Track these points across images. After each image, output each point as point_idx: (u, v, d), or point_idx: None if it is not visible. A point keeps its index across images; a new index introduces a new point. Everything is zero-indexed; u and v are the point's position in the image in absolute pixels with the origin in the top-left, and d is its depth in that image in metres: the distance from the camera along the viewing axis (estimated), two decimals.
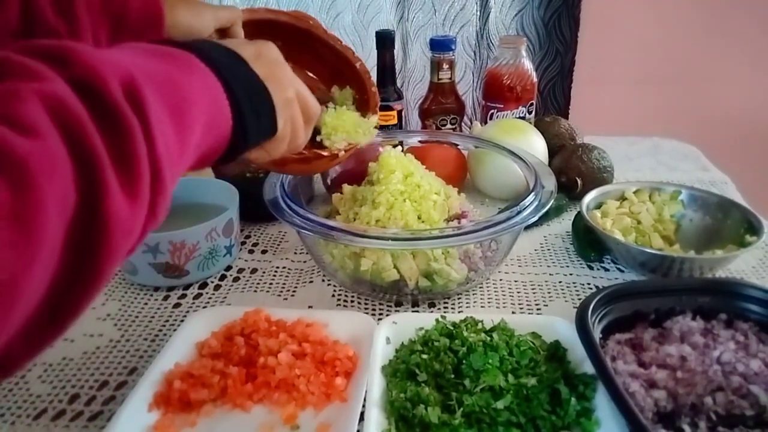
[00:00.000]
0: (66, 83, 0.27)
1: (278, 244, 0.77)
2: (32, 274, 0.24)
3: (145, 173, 0.29)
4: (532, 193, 0.62)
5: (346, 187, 0.72)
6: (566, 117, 1.45)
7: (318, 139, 0.59)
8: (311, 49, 0.69)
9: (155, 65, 0.33)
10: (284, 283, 0.68)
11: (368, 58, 1.41)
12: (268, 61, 0.43)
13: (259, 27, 0.64)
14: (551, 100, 1.56)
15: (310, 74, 0.71)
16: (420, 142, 0.86)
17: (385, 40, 0.92)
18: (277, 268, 0.71)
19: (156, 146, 0.29)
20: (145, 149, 0.29)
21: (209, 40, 0.44)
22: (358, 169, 0.74)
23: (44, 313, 0.26)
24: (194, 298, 0.65)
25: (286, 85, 0.45)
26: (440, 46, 0.92)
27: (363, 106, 0.68)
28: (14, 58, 0.27)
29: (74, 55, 0.28)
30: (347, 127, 0.61)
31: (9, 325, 0.24)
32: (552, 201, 0.62)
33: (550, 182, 0.65)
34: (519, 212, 0.59)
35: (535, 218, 0.59)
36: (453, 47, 0.92)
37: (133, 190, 0.28)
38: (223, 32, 0.61)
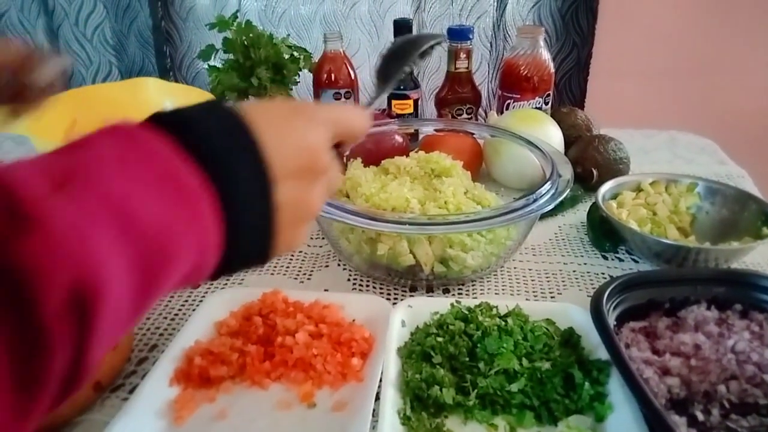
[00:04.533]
0: None
1: None
2: None
3: (51, 392, 0.23)
4: (549, 182, 0.63)
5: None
6: (582, 109, 1.45)
7: None
8: None
9: (152, 211, 0.25)
10: (300, 267, 0.69)
11: (383, 48, 1.41)
12: (308, 179, 0.35)
13: None
14: (567, 92, 1.55)
15: None
16: (436, 130, 0.86)
17: (402, 29, 0.92)
18: (294, 252, 0.72)
19: (84, 359, 0.24)
20: (65, 367, 0.23)
21: (247, 133, 0.31)
22: (376, 153, 0.75)
23: None
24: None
25: (301, 229, 0.36)
26: (458, 35, 0.92)
27: None
28: None
29: (34, 226, 0.21)
30: None
31: None
32: (568, 190, 0.62)
33: (566, 171, 0.65)
34: (535, 200, 0.60)
35: (552, 206, 0.59)
36: (470, 36, 0.92)
37: (27, 411, 0.22)
38: None
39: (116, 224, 0.24)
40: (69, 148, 0.26)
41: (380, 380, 0.48)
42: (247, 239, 0.31)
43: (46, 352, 0.22)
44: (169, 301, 0.62)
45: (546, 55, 0.92)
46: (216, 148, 0.29)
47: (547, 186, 0.62)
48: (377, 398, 0.46)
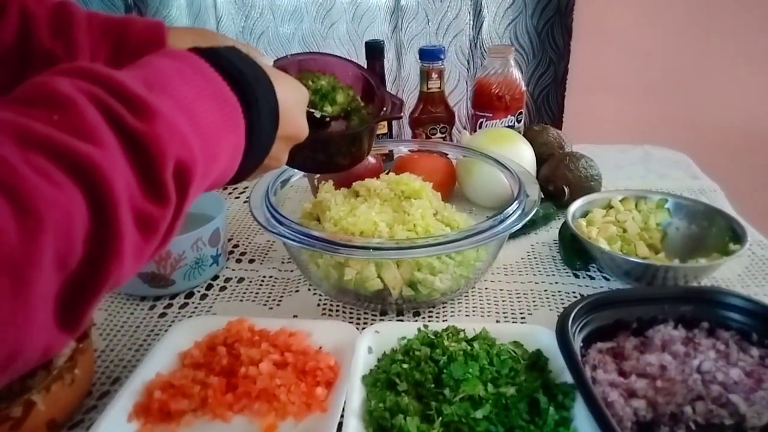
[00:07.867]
0: (118, 138, 0.28)
1: (266, 254, 0.77)
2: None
3: (157, 238, 0.31)
4: (516, 202, 0.63)
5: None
6: (560, 125, 1.46)
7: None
8: None
9: (211, 118, 0.34)
10: (270, 293, 0.68)
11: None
12: (293, 103, 0.45)
13: None
14: (545, 109, 1.56)
15: None
16: (410, 151, 0.86)
17: (374, 50, 0.92)
18: (264, 277, 0.71)
19: (180, 217, 0.33)
20: (171, 217, 0.31)
21: (260, 66, 0.41)
22: (349, 175, 0.74)
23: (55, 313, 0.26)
24: (180, 308, 0.65)
25: (293, 130, 0.46)
26: (429, 55, 0.92)
27: None
28: (79, 105, 0.27)
29: (154, 112, 0.29)
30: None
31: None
32: (535, 210, 0.62)
33: (534, 191, 0.66)
34: (502, 221, 0.60)
35: (518, 227, 0.59)
36: (442, 57, 0.93)
37: (143, 251, 0.30)
38: None
39: (188, 121, 0.32)
40: (135, 65, 0.33)
41: (343, 410, 0.47)
42: (260, 143, 0.41)
43: (165, 202, 0.30)
44: (135, 332, 0.61)
45: (517, 74, 0.92)
46: (241, 72, 0.38)
47: (514, 206, 0.62)
48: (340, 428, 0.45)
